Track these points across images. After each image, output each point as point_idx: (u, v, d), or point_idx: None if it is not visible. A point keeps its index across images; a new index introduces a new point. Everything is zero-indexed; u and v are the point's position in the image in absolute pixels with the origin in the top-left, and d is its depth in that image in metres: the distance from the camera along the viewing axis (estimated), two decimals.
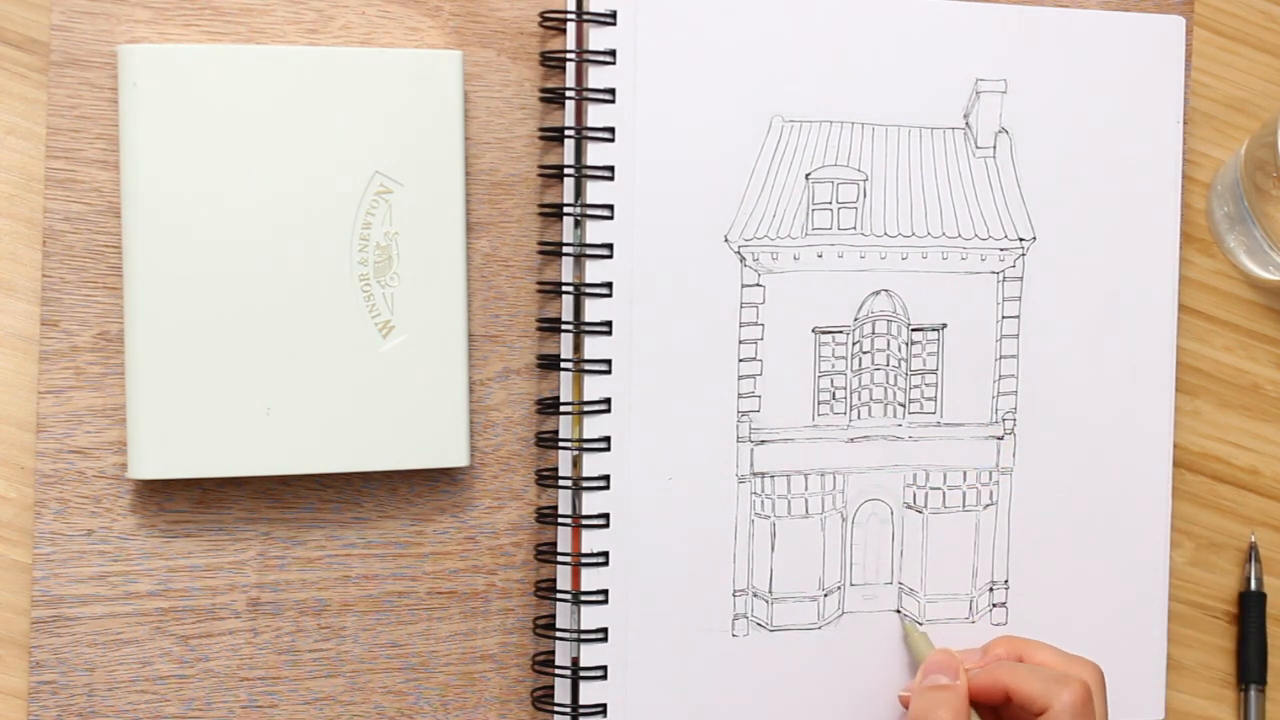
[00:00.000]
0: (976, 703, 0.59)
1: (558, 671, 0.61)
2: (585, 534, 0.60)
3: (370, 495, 0.60)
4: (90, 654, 0.58)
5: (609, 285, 0.60)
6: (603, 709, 0.60)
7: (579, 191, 0.60)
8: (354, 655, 0.60)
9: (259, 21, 0.59)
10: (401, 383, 0.58)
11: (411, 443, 0.59)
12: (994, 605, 0.65)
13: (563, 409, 0.61)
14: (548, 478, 0.61)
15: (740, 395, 0.62)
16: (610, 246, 0.60)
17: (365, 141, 0.57)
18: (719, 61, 0.61)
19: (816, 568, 0.63)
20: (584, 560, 0.60)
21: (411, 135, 0.58)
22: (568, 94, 0.60)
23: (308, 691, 0.60)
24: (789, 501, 0.63)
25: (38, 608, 0.57)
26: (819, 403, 0.63)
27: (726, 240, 0.61)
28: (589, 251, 0.60)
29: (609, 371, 0.60)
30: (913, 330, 0.64)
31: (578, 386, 0.60)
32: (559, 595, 0.61)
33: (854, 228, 0.63)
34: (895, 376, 0.64)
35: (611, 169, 0.60)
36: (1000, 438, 0.65)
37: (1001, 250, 0.64)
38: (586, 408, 0.60)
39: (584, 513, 0.60)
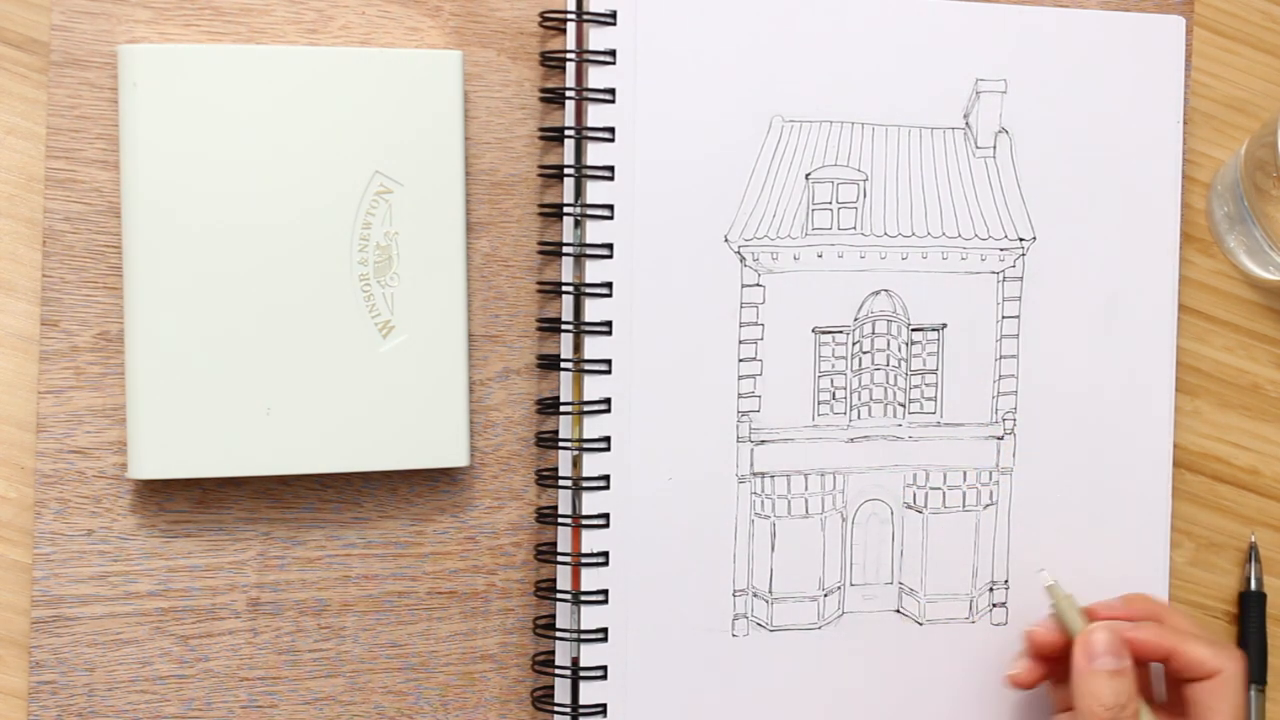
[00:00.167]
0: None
1: (558, 671, 0.61)
2: (585, 534, 0.60)
3: (370, 495, 0.60)
4: (90, 654, 0.58)
5: (609, 285, 0.60)
6: (603, 709, 0.60)
7: (579, 191, 0.60)
8: (354, 655, 0.60)
9: (259, 21, 0.59)
10: (401, 383, 0.58)
11: (411, 443, 0.59)
12: (994, 605, 0.65)
13: (563, 409, 0.61)
14: (548, 478, 0.61)
15: (740, 395, 0.62)
16: (610, 246, 0.60)
17: (365, 141, 0.57)
18: (719, 61, 0.61)
19: (816, 568, 0.63)
20: (584, 560, 0.60)
21: (411, 135, 0.58)
22: (568, 94, 0.60)
23: (308, 691, 0.60)
24: (789, 501, 0.63)
25: (38, 608, 0.57)
26: (819, 403, 0.63)
27: (726, 240, 0.61)
28: (589, 251, 0.60)
29: (609, 371, 0.60)
30: (913, 330, 0.64)
31: (578, 386, 0.60)
32: (559, 595, 0.61)
33: (854, 228, 0.63)
34: (895, 376, 0.64)
35: (611, 169, 0.60)
36: (1000, 438, 0.65)
37: (1001, 250, 0.64)
38: (586, 408, 0.60)
39: (584, 513, 0.60)
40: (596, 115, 0.60)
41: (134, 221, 0.56)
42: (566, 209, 0.60)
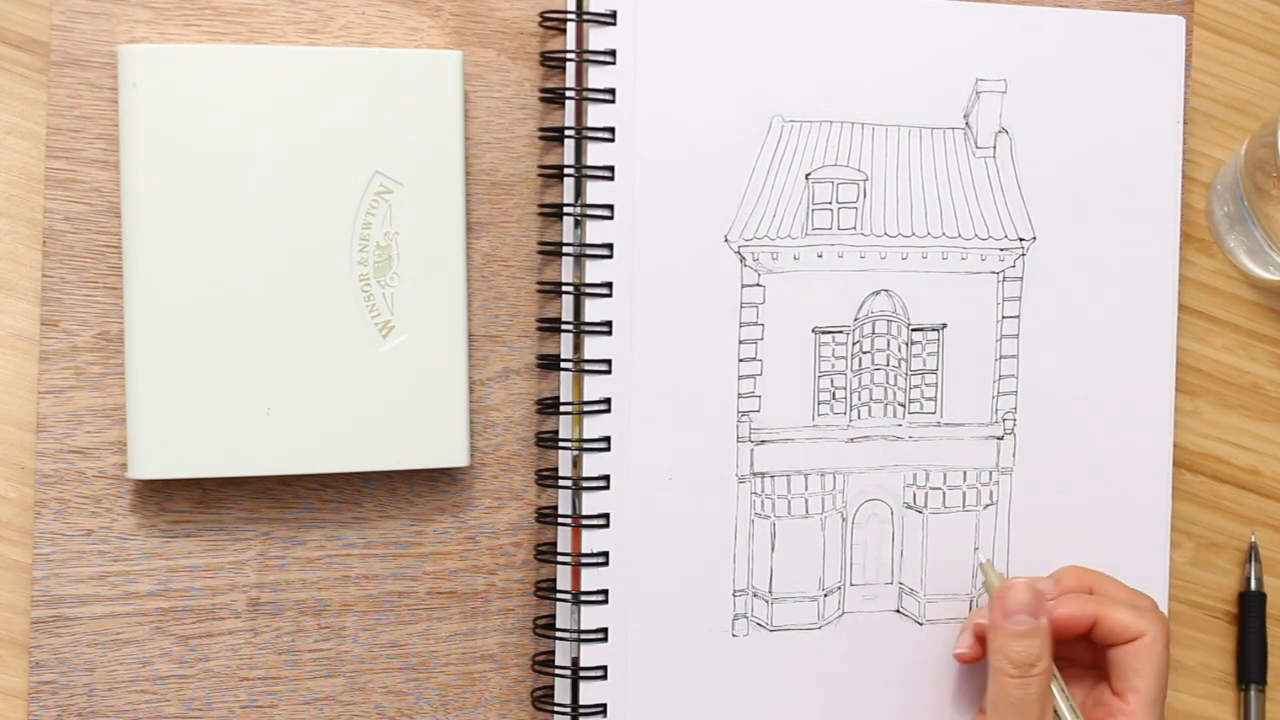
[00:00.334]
0: (1057, 635, 0.59)
1: (558, 671, 0.61)
2: (585, 534, 0.60)
3: (370, 495, 0.60)
4: (90, 654, 0.58)
5: (609, 285, 0.60)
6: (603, 709, 0.60)
7: (579, 191, 0.60)
8: (354, 655, 0.60)
9: (259, 21, 0.59)
10: (401, 383, 0.58)
11: (411, 443, 0.59)
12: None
13: (563, 409, 0.61)
14: (548, 478, 0.61)
15: (740, 395, 0.62)
16: (610, 246, 0.60)
17: (365, 141, 0.57)
18: (719, 61, 0.61)
19: (816, 568, 0.63)
20: (584, 560, 0.60)
21: (411, 135, 0.58)
22: (568, 94, 0.60)
23: (308, 691, 0.60)
24: (789, 501, 0.63)
25: (38, 608, 0.57)
26: (819, 403, 0.63)
27: (726, 240, 0.61)
28: (589, 251, 0.60)
29: (609, 371, 0.60)
30: (913, 330, 0.64)
31: (578, 386, 0.60)
32: (559, 595, 0.61)
33: (854, 228, 0.63)
34: (895, 376, 0.64)
35: (611, 169, 0.60)
36: (1000, 438, 0.65)
37: (1001, 250, 0.64)
38: (586, 408, 0.60)
39: (584, 513, 0.60)
40: (596, 115, 0.60)
41: (134, 221, 0.56)
42: (566, 209, 0.60)
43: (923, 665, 0.64)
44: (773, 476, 0.62)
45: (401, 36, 0.60)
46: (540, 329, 0.61)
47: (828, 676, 0.63)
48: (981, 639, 0.61)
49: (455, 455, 0.59)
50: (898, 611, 0.64)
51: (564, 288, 0.60)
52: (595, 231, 0.60)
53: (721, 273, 0.61)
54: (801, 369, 0.62)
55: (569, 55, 0.60)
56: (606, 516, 0.60)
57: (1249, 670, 0.69)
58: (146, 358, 0.56)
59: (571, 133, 0.60)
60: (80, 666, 0.58)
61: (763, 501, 0.62)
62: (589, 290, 0.60)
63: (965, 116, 0.64)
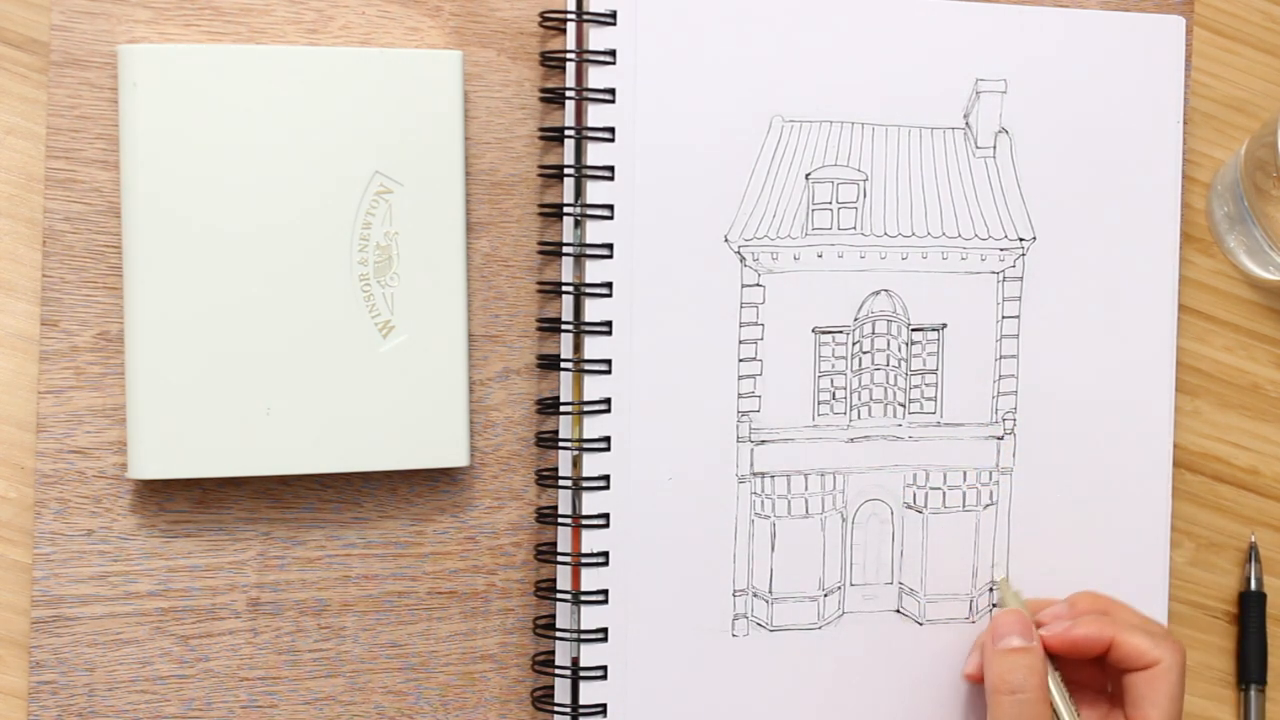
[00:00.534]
0: (1068, 655, 0.60)
1: (558, 671, 0.61)
2: (585, 534, 0.60)
3: (370, 495, 0.60)
4: (90, 654, 0.58)
5: (609, 285, 0.60)
6: (603, 709, 0.60)
7: (579, 191, 0.60)
8: (354, 655, 0.60)
9: (259, 21, 0.59)
10: (401, 383, 0.58)
11: (411, 443, 0.59)
12: (994, 605, 0.65)
13: (563, 409, 0.61)
14: (548, 478, 0.61)
15: (740, 395, 0.62)
16: (610, 246, 0.60)
17: (365, 141, 0.57)
18: (719, 61, 0.61)
19: (816, 568, 0.63)
20: (584, 560, 0.60)
21: (411, 135, 0.58)
22: (568, 94, 0.60)
23: (308, 691, 0.60)
24: (789, 501, 0.63)
25: (38, 608, 0.57)
26: (819, 403, 0.63)
27: (726, 240, 0.61)
28: (589, 251, 0.60)
29: (609, 371, 0.60)
30: (913, 330, 0.64)
31: (578, 386, 0.60)
32: (559, 595, 0.61)
33: (854, 228, 0.63)
34: (895, 376, 0.64)
35: (611, 169, 0.60)
36: (1000, 438, 0.65)
37: (1001, 250, 0.64)
38: (586, 408, 0.60)
39: (584, 513, 0.60)
40: (596, 115, 0.60)
41: (134, 221, 0.56)
42: (566, 209, 0.60)
43: (923, 665, 0.64)
44: (773, 476, 0.62)
45: (401, 36, 0.60)
46: (540, 329, 0.61)
47: (828, 676, 0.63)
48: None
49: (455, 455, 0.59)
50: (898, 611, 0.64)
51: (564, 288, 0.60)
52: (595, 231, 0.60)
53: (721, 273, 0.61)
54: (801, 369, 0.62)
55: (569, 55, 0.60)
56: (606, 516, 0.60)
57: (1249, 670, 0.69)
58: (146, 358, 0.56)
59: (571, 133, 0.60)
60: (80, 666, 0.58)
61: (763, 501, 0.62)
62: (589, 290, 0.60)
63: (965, 116, 0.64)
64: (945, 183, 0.64)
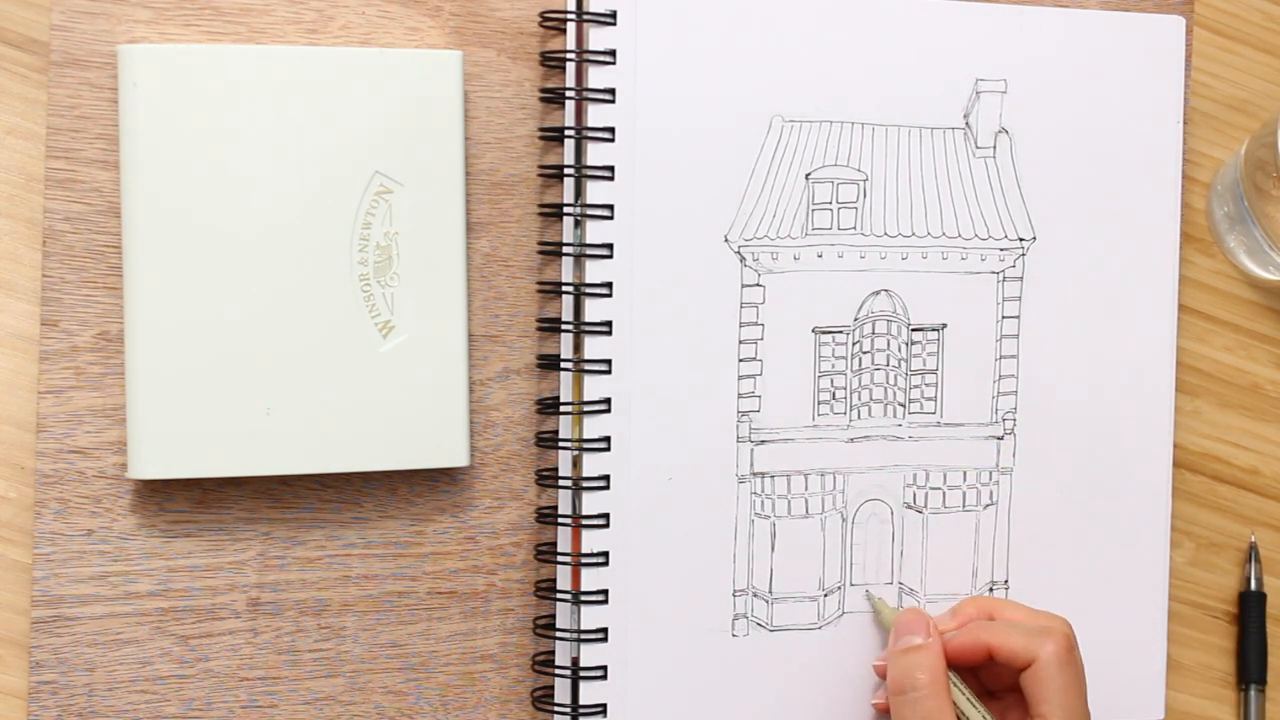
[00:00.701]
0: (957, 664, 0.60)
1: (558, 671, 0.61)
2: (585, 534, 0.60)
3: (370, 495, 0.60)
4: (90, 654, 0.58)
5: (609, 285, 0.60)
6: (603, 709, 0.60)
7: (579, 191, 0.60)
8: (354, 655, 0.60)
9: (259, 21, 0.59)
10: (401, 383, 0.58)
11: (411, 443, 0.59)
12: None
13: (563, 409, 0.61)
14: (548, 478, 0.61)
15: (740, 395, 0.62)
16: (610, 246, 0.60)
17: (365, 141, 0.57)
18: (719, 61, 0.61)
19: (816, 568, 0.63)
20: (584, 560, 0.60)
21: (411, 135, 0.58)
22: (568, 94, 0.60)
23: (308, 691, 0.60)
24: (789, 501, 0.63)
25: (38, 608, 0.57)
26: (819, 403, 0.63)
27: (726, 240, 0.61)
28: (589, 251, 0.60)
29: (609, 371, 0.60)
30: (913, 330, 0.64)
31: (578, 386, 0.60)
32: (559, 595, 0.61)
33: (854, 228, 0.63)
34: (895, 376, 0.64)
35: (611, 169, 0.60)
36: (1000, 438, 0.65)
37: (1001, 250, 0.64)
38: (586, 408, 0.60)
39: (584, 513, 0.60)
40: (596, 115, 0.60)
41: (134, 221, 0.56)
42: (566, 209, 0.60)
43: None
44: (773, 476, 0.62)
45: (401, 36, 0.60)
46: (540, 329, 0.61)
47: (828, 676, 0.63)
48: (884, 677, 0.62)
49: (455, 455, 0.59)
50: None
51: (564, 288, 0.60)
52: (595, 231, 0.60)
53: (721, 273, 0.61)
54: (801, 369, 0.62)
55: (569, 55, 0.60)
56: (606, 516, 0.60)
57: (1249, 670, 0.69)
58: (146, 358, 0.56)
59: (571, 133, 0.60)
60: (80, 666, 0.58)
61: (763, 501, 0.62)
62: (589, 290, 0.60)
63: (965, 116, 0.64)
64: (945, 183, 0.64)
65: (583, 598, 0.60)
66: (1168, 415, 0.66)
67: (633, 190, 0.60)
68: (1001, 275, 0.64)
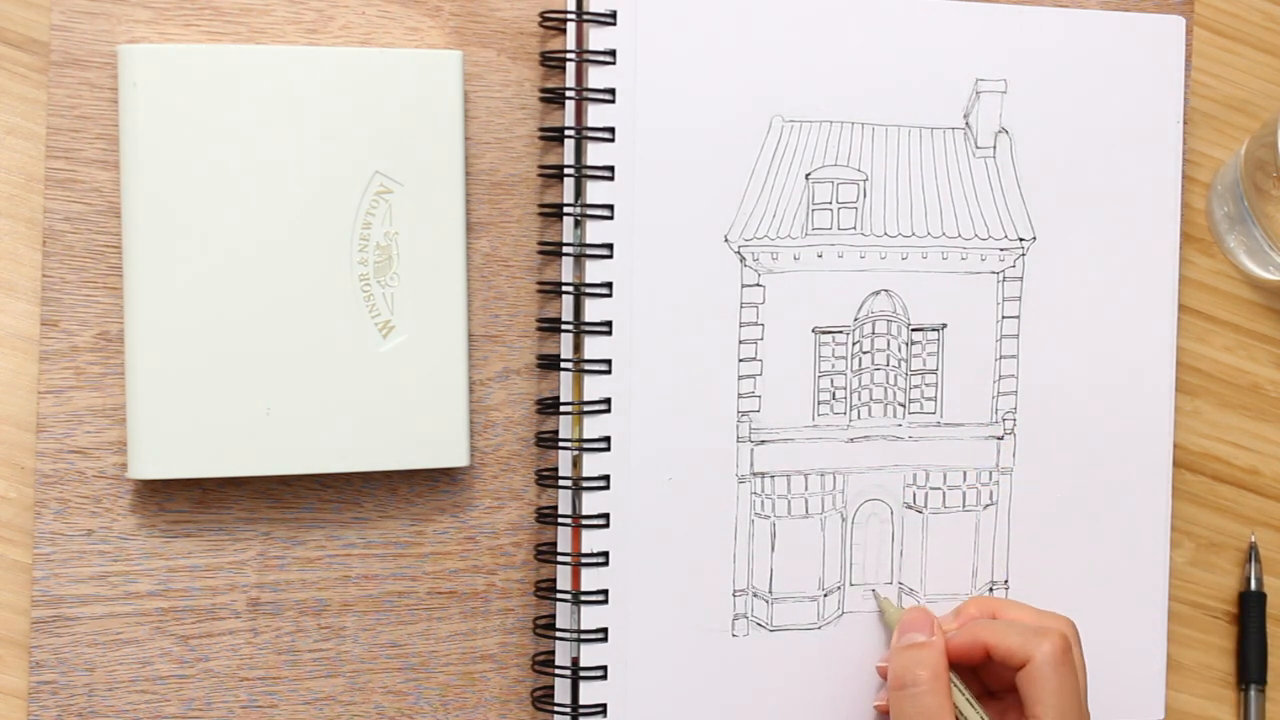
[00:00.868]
0: (957, 663, 0.60)
1: (558, 671, 0.61)
2: (585, 534, 0.60)
3: (370, 495, 0.60)
4: (90, 654, 0.58)
5: (609, 285, 0.60)
6: (603, 709, 0.60)
7: (579, 191, 0.60)
8: (354, 655, 0.60)
9: (259, 21, 0.59)
10: (401, 383, 0.58)
11: (411, 443, 0.59)
12: None
13: (563, 409, 0.61)
14: (548, 478, 0.61)
15: (740, 395, 0.62)
16: (610, 246, 0.60)
17: (365, 141, 0.57)
18: (719, 61, 0.61)
19: (816, 568, 0.63)
20: (584, 560, 0.60)
21: (411, 135, 0.58)
22: (568, 94, 0.60)
23: (308, 691, 0.60)
24: (789, 501, 0.63)
25: (38, 608, 0.57)
26: (819, 403, 0.63)
27: (726, 240, 0.61)
28: (589, 251, 0.60)
29: (609, 371, 0.60)
30: (913, 330, 0.64)
31: (578, 386, 0.60)
32: (559, 595, 0.61)
33: (854, 228, 0.63)
34: (895, 376, 0.64)
35: (611, 169, 0.60)
36: (1000, 438, 0.65)
37: (1001, 250, 0.64)
38: (586, 408, 0.60)
39: (584, 513, 0.60)
40: (596, 115, 0.60)
41: (134, 221, 0.56)
42: (566, 209, 0.60)
43: None
44: (773, 476, 0.62)
45: (401, 36, 0.60)
46: (540, 329, 0.61)
47: (828, 676, 0.63)
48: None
49: (455, 455, 0.59)
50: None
51: (564, 288, 0.60)
52: (595, 231, 0.60)
53: (721, 273, 0.61)
54: (801, 369, 0.62)
55: (569, 55, 0.60)
56: (606, 516, 0.60)
57: (1249, 670, 0.69)
58: (146, 358, 0.56)
59: (571, 133, 0.60)
60: (80, 666, 0.58)
61: (763, 501, 0.62)
62: (589, 290, 0.60)
63: (965, 116, 0.64)
64: (945, 183, 0.64)
65: (583, 598, 0.60)
66: (1168, 415, 0.66)
67: (633, 190, 0.60)
68: (1001, 275, 0.64)
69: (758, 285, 0.62)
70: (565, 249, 0.60)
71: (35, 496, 0.57)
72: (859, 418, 0.63)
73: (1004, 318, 0.64)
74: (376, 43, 0.60)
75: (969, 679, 0.61)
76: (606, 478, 0.60)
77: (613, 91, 0.60)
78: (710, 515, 0.62)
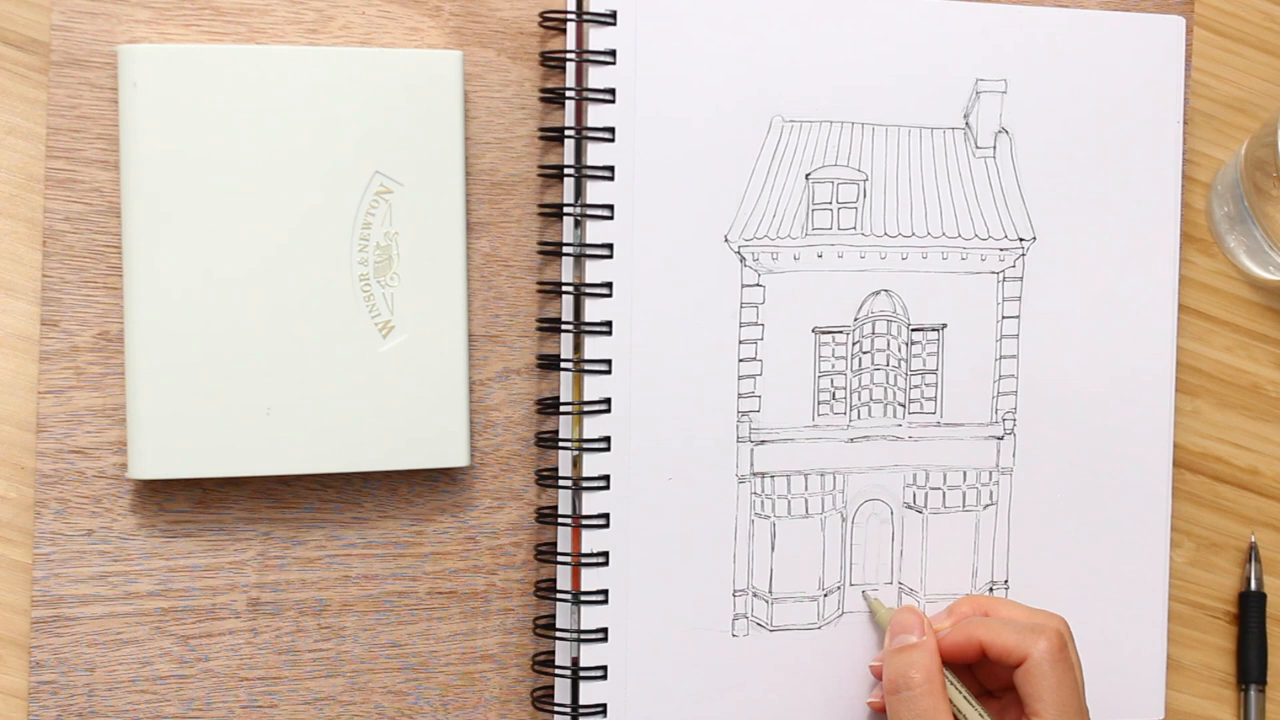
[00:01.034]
0: (952, 662, 0.60)
1: (558, 671, 0.61)
2: (585, 534, 0.60)
3: (370, 495, 0.60)
4: (90, 654, 0.58)
5: (609, 285, 0.60)
6: (603, 709, 0.60)
7: (579, 191, 0.60)
8: (354, 655, 0.60)
9: (259, 21, 0.59)
10: (401, 383, 0.58)
11: (411, 443, 0.59)
12: None
13: (563, 409, 0.61)
14: (548, 478, 0.61)
15: (740, 395, 0.62)
16: (610, 246, 0.60)
17: (365, 141, 0.57)
18: (719, 61, 0.61)
19: (816, 568, 0.63)
20: (584, 560, 0.60)
21: (411, 135, 0.58)
22: (568, 94, 0.60)
23: (308, 691, 0.60)
24: (789, 501, 0.63)
25: (38, 608, 0.57)
26: (819, 403, 0.63)
27: (726, 240, 0.61)
28: (589, 251, 0.60)
29: (609, 371, 0.60)
30: (913, 330, 0.64)
31: (578, 386, 0.60)
32: (559, 595, 0.61)
33: (854, 228, 0.63)
34: (895, 376, 0.64)
35: (611, 169, 0.60)
36: (1000, 438, 0.65)
37: (1001, 250, 0.64)
38: (586, 408, 0.60)
39: (584, 513, 0.60)
40: (596, 115, 0.60)
41: (134, 221, 0.56)
42: (566, 209, 0.60)
43: None
44: (773, 476, 0.62)
45: (401, 36, 0.60)
46: (540, 329, 0.61)
47: (828, 676, 0.63)
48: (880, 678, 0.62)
49: (455, 455, 0.59)
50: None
51: (564, 288, 0.60)
52: (595, 231, 0.60)
53: (721, 273, 0.61)
54: (801, 369, 0.62)
55: (569, 55, 0.60)
56: (606, 516, 0.60)
57: (1249, 670, 0.69)
58: (146, 358, 0.56)
59: (571, 133, 0.60)
60: (80, 666, 0.58)
61: (763, 501, 0.62)
62: (589, 290, 0.60)
63: (965, 116, 0.64)
64: (945, 183, 0.64)
65: (583, 598, 0.60)
66: (1168, 415, 0.66)
67: (633, 190, 0.60)
68: (1001, 275, 0.64)
69: (758, 285, 0.62)
70: (565, 249, 0.60)
71: (35, 496, 0.57)
72: (859, 418, 0.63)
73: (1004, 318, 0.64)
74: (376, 43, 0.60)
75: (966, 679, 0.61)
76: (606, 478, 0.60)
77: (613, 91, 0.60)
78: (710, 515, 0.62)
